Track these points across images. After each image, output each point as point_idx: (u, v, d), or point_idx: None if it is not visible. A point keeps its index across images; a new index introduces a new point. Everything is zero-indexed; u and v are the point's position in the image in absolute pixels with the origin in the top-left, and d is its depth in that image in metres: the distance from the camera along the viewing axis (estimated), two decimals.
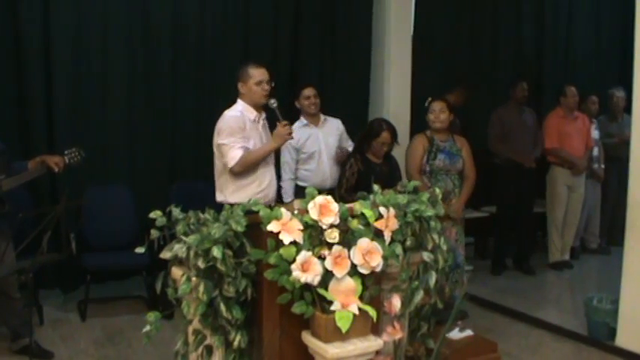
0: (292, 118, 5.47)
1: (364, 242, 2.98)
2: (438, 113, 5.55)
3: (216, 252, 2.87)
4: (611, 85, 8.03)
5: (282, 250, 2.91)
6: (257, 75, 4.65)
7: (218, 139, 4.63)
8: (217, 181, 4.76)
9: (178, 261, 3.10)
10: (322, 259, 2.93)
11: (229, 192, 4.66)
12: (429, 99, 5.69)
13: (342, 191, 5.34)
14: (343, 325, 2.88)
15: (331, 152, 5.78)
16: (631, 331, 5.00)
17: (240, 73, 4.71)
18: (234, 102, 4.75)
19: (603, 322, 5.22)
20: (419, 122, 6.05)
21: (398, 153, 5.74)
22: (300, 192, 5.51)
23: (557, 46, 8.83)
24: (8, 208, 4.67)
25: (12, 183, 4.71)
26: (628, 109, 5.59)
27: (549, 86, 8.47)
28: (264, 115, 4.82)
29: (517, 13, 8.48)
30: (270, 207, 3.04)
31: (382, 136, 5.42)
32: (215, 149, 4.71)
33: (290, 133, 4.68)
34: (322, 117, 5.90)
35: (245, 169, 4.60)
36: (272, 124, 4.82)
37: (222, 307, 2.95)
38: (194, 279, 2.95)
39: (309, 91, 5.83)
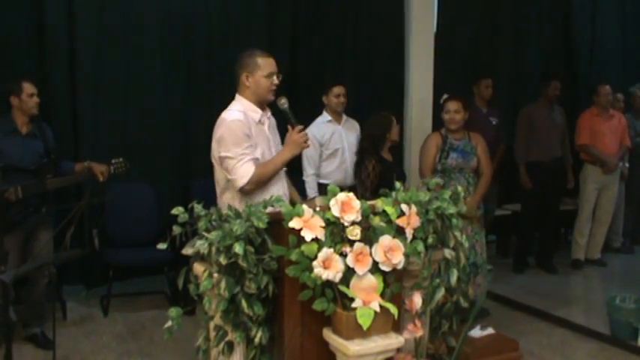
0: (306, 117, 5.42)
1: (386, 239, 2.98)
2: (453, 114, 5.48)
3: (238, 248, 2.88)
4: (635, 83, 7.96)
5: (303, 247, 2.91)
6: (267, 66, 3.85)
7: (220, 151, 3.81)
8: (220, 199, 3.94)
9: (200, 257, 3.11)
10: (344, 256, 2.93)
11: None
12: (445, 96, 5.66)
13: (368, 194, 5.16)
14: (364, 322, 2.88)
15: (353, 150, 5.77)
16: None
17: (245, 62, 3.88)
18: (228, 101, 4.03)
19: (626, 322, 5.18)
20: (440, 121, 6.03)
21: (414, 150, 5.73)
22: (322, 189, 5.51)
23: (583, 44, 8.79)
24: (47, 206, 4.87)
25: (57, 183, 4.88)
26: None
27: (580, 85, 8.44)
28: (269, 113, 4.01)
29: (540, 10, 8.44)
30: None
31: (394, 126, 5.41)
32: (215, 162, 3.94)
33: (306, 141, 3.90)
34: (344, 116, 5.91)
35: (258, 187, 3.79)
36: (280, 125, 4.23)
37: (244, 304, 2.96)
38: (216, 275, 2.97)
39: (339, 90, 5.82)
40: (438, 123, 5.96)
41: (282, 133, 4.07)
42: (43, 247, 4.85)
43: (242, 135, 3.75)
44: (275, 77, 3.87)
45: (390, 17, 7.11)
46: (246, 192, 3.77)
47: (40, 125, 5.00)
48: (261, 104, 3.92)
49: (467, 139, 5.56)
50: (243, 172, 3.73)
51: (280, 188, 3.92)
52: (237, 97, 3.94)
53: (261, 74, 3.84)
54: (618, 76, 8.68)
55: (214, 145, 3.87)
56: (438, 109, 5.93)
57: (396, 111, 6.35)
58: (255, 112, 3.89)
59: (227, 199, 3.84)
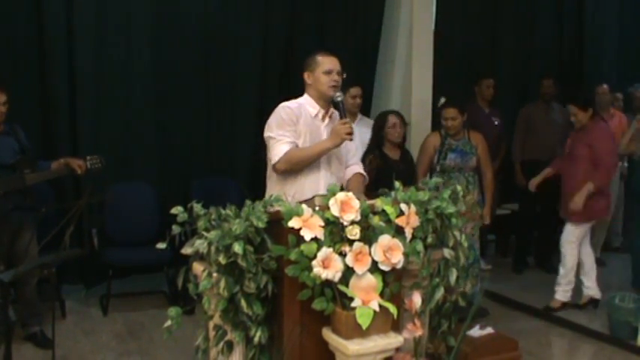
0: None
1: (385, 239, 2.98)
2: (450, 121, 5.57)
3: (238, 248, 2.88)
4: (633, 83, 7.97)
5: (303, 247, 2.91)
6: (326, 63, 3.95)
7: (266, 132, 3.95)
8: (267, 184, 4.08)
9: (199, 257, 3.11)
10: (343, 255, 2.94)
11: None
12: (442, 100, 5.74)
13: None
14: (364, 321, 2.88)
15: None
16: None
17: (307, 62, 4.02)
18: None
19: (626, 322, 5.18)
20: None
21: (414, 150, 5.75)
22: None
23: (583, 43, 8.80)
24: (30, 200, 4.80)
25: (36, 178, 4.89)
26: None
27: (582, 84, 8.47)
28: (333, 112, 4.05)
29: (541, 9, 8.46)
30: None
31: (389, 121, 5.42)
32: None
33: (350, 133, 3.85)
34: (359, 115, 5.97)
35: (290, 167, 3.87)
36: None
37: (243, 303, 2.96)
38: (215, 275, 2.97)
39: (355, 91, 5.90)
40: (437, 123, 5.97)
41: None
42: (27, 246, 4.83)
43: (287, 119, 3.88)
44: (336, 74, 3.94)
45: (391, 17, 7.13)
46: (279, 171, 3.88)
47: (12, 126, 4.99)
48: (322, 101, 3.99)
49: (466, 139, 5.60)
50: (278, 150, 3.84)
51: (315, 185, 3.91)
52: (305, 93, 4.05)
53: (321, 70, 3.94)
54: (618, 76, 8.69)
55: (265, 128, 3.98)
56: (437, 108, 5.97)
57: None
58: (313, 107, 3.99)
59: (269, 186, 3.99)
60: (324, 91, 3.95)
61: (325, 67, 3.93)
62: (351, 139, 3.90)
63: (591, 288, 5.88)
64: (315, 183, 3.92)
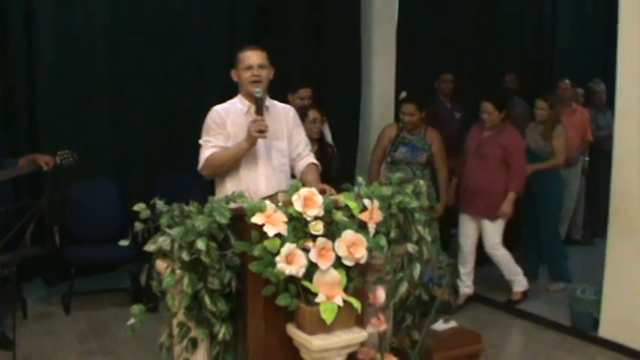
0: None
1: (348, 234, 2.98)
2: (408, 117, 5.68)
3: (201, 244, 2.87)
4: (593, 78, 8.09)
5: (266, 243, 2.90)
6: (247, 59, 3.93)
7: None
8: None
9: (163, 253, 3.08)
10: (307, 251, 2.93)
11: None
12: (403, 94, 5.80)
13: None
14: (328, 317, 2.88)
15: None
16: (613, 321, 5.05)
17: (235, 60, 4.02)
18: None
19: (586, 313, 5.26)
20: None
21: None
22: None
23: (542, 38, 8.89)
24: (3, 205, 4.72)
25: (3, 176, 4.84)
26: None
27: (543, 79, 8.56)
28: (268, 106, 3.99)
29: (502, 4, 8.52)
30: None
31: (310, 116, 5.31)
32: None
33: (261, 131, 3.78)
34: None
35: (213, 171, 3.94)
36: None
37: (207, 300, 2.95)
38: (178, 271, 2.95)
39: (305, 92, 5.81)
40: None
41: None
42: None
43: (211, 123, 3.93)
44: (256, 69, 3.89)
45: (352, 13, 7.14)
46: (206, 177, 3.98)
47: None
48: (252, 97, 3.92)
49: (421, 135, 5.74)
50: (202, 156, 3.91)
51: (255, 181, 3.90)
52: None
53: (242, 67, 3.94)
54: (581, 70, 8.79)
55: None
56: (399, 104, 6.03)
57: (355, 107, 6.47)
58: (243, 104, 3.98)
59: (215, 183, 4.03)
60: (246, 88, 3.94)
61: (246, 63, 3.93)
62: (264, 137, 3.83)
63: (470, 286, 5.96)
64: (254, 180, 3.91)
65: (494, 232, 5.76)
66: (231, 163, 3.88)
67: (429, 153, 5.70)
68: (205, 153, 3.89)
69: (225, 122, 3.92)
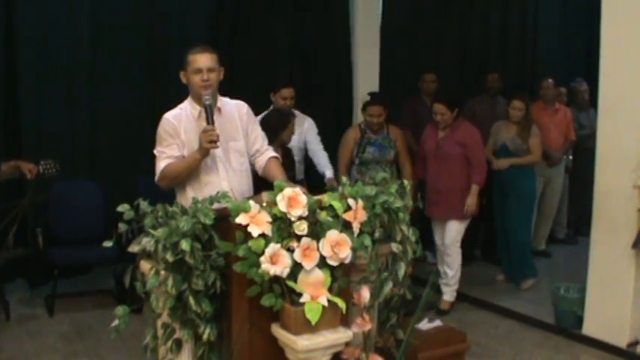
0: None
1: (333, 234, 2.98)
2: (376, 118, 5.79)
3: (185, 245, 2.86)
4: (575, 77, 8.13)
5: (250, 243, 2.90)
6: (195, 61, 3.76)
7: None
8: None
9: (147, 254, 3.07)
10: (291, 251, 2.93)
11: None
12: (368, 97, 6.00)
13: None
14: (312, 317, 2.88)
15: (301, 147, 5.75)
16: (597, 319, 5.08)
17: (183, 60, 3.85)
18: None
19: (570, 311, 5.29)
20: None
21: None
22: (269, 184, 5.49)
23: (525, 38, 8.93)
24: None
25: None
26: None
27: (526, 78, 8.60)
28: (220, 107, 3.90)
29: (485, 4, 8.54)
30: None
31: (292, 123, 5.16)
32: None
33: (213, 141, 3.65)
34: (295, 112, 5.88)
35: (169, 183, 3.85)
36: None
37: (191, 301, 2.94)
38: (163, 272, 2.94)
39: (287, 92, 5.74)
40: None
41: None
42: None
43: (163, 133, 3.83)
44: (205, 73, 3.75)
45: (336, 12, 7.14)
46: (164, 188, 3.86)
47: None
48: (200, 100, 3.80)
49: (385, 134, 5.89)
50: (157, 168, 3.83)
51: (217, 185, 3.74)
52: None
53: (191, 70, 3.79)
54: (563, 70, 8.83)
55: None
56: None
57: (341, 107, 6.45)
58: (194, 108, 3.86)
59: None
60: (197, 92, 3.80)
61: (194, 66, 3.77)
62: (216, 147, 3.70)
63: (453, 292, 5.93)
64: (216, 184, 3.78)
65: (458, 230, 5.77)
66: (186, 174, 3.80)
67: (395, 150, 5.87)
68: (160, 165, 3.81)
69: (178, 130, 3.81)
